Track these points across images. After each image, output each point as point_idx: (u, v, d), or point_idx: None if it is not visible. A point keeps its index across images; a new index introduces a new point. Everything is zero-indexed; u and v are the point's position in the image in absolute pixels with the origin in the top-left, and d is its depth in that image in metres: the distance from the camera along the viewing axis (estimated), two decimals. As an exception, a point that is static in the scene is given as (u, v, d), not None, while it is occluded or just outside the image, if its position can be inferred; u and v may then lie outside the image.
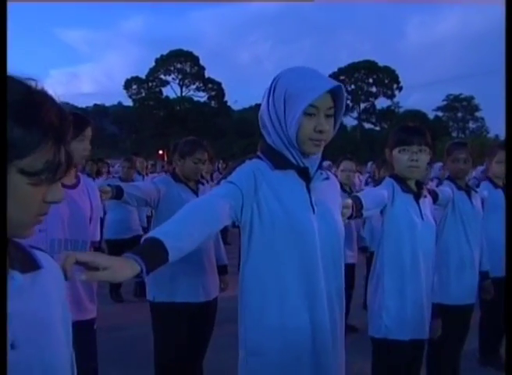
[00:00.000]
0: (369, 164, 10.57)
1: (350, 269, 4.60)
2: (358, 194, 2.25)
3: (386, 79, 56.56)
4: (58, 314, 0.91)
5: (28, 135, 0.75)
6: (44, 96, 0.80)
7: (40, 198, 0.80)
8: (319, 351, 1.61)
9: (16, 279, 0.81)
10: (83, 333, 2.28)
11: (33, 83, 0.80)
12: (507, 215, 2.90)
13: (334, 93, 1.59)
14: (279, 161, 1.64)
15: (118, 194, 2.73)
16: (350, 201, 2.00)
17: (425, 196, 2.51)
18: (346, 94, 1.65)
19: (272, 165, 1.64)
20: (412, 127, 2.46)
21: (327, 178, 1.75)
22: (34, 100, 0.77)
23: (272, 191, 1.60)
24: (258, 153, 1.71)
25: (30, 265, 0.86)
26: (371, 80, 57.16)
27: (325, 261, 1.63)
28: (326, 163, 8.74)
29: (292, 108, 1.56)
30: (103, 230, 6.06)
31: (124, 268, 1.20)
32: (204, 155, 3.08)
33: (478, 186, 3.93)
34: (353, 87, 56.98)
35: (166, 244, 1.31)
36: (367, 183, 8.36)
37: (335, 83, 1.56)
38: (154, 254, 1.29)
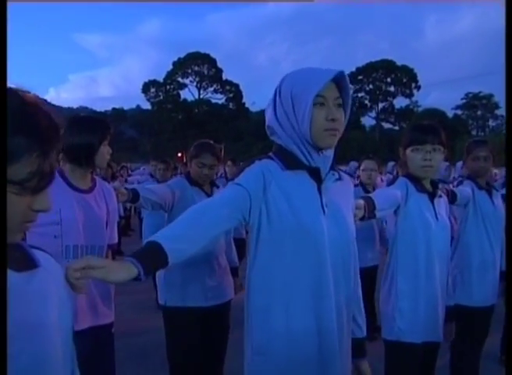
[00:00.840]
0: (390, 164, 10.40)
1: (371, 272, 4.37)
2: (370, 194, 2.22)
3: (404, 78, 56.16)
4: (55, 312, 0.94)
5: (12, 144, 0.76)
6: (36, 109, 0.81)
7: (24, 206, 0.82)
8: (325, 354, 1.59)
9: (10, 277, 0.85)
10: (100, 339, 2.27)
11: (28, 96, 0.81)
12: (507, 214, 2.83)
13: (339, 85, 1.59)
14: (290, 161, 1.62)
15: (134, 197, 2.72)
16: (362, 201, 1.97)
17: (440, 196, 2.46)
18: (351, 84, 1.65)
19: (282, 165, 1.62)
20: (425, 126, 2.41)
21: (340, 179, 1.71)
22: (26, 112, 0.79)
23: (281, 192, 1.58)
24: (270, 153, 1.69)
25: (26, 264, 0.90)
26: (389, 80, 56.82)
27: (334, 263, 1.60)
28: (354, 165, 8.63)
29: (301, 103, 1.55)
30: (141, 234, 6.12)
31: (120, 270, 1.21)
32: (209, 160, 3.01)
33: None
34: (371, 86, 56.74)
35: (165, 246, 1.32)
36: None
37: (337, 70, 1.56)
38: (152, 257, 1.31)
